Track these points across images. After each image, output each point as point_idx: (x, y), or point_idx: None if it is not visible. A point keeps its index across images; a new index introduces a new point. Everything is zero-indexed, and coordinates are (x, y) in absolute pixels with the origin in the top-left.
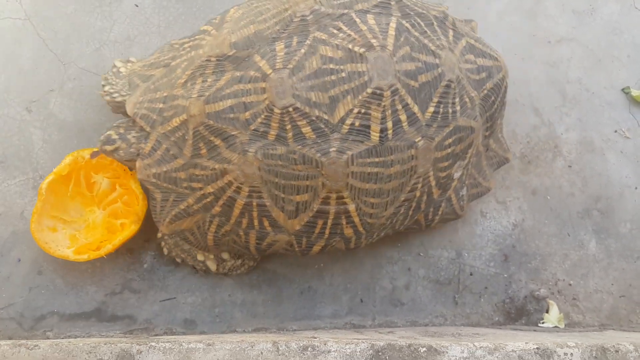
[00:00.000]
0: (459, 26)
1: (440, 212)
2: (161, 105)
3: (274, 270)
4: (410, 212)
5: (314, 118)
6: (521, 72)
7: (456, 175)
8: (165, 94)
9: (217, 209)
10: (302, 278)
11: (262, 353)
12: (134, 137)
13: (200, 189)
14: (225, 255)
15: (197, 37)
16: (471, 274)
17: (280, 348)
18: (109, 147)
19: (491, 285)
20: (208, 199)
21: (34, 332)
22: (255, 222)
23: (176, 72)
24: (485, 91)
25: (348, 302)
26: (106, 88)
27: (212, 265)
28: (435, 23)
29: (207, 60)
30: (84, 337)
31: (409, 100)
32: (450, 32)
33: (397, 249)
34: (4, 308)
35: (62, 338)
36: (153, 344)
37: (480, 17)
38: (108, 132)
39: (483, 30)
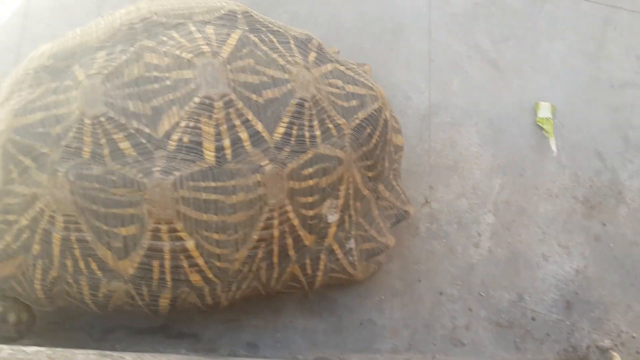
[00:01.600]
0: (328, 53)
1: (321, 267)
2: None
3: (335, 298)
4: (275, 259)
5: (132, 131)
6: (583, 115)
7: (331, 218)
8: None
9: (36, 247)
10: (362, 309)
11: None
12: None
13: (16, 221)
14: (11, 317)
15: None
16: (533, 319)
17: None
18: None
19: (553, 332)
20: (25, 235)
21: (103, 343)
22: (82, 264)
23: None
24: (358, 121)
25: (408, 338)
26: None
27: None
28: (292, 42)
29: (25, 73)
30: (151, 352)
31: (250, 116)
32: (313, 54)
33: (457, 286)
34: (74, 318)
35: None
36: None
37: (542, 59)
38: None
39: (545, 72)
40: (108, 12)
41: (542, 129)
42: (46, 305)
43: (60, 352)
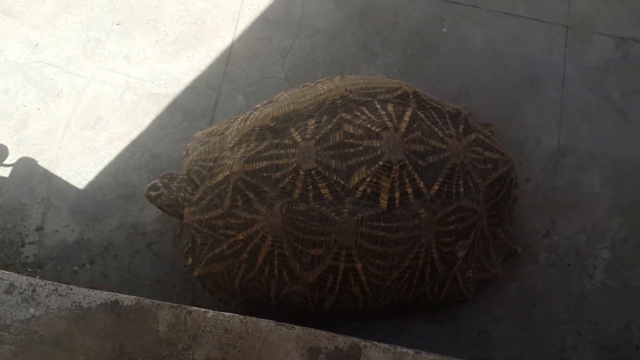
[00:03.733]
0: (471, 122)
1: (445, 289)
2: (211, 164)
3: (456, 310)
4: (415, 282)
5: (332, 182)
6: None
7: (460, 254)
8: (216, 155)
9: (244, 255)
10: (480, 321)
11: None
12: (175, 186)
13: (233, 236)
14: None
15: (248, 112)
16: (637, 347)
17: None
18: (153, 193)
19: None
20: (238, 246)
21: None
22: (276, 271)
23: (227, 139)
24: (490, 180)
25: (519, 352)
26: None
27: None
28: (447, 117)
29: (252, 129)
30: None
31: (416, 176)
32: (461, 126)
33: (569, 312)
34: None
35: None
36: (376, 343)
37: None
38: (154, 181)
39: None
40: (308, 83)
41: None
42: (237, 296)
43: (249, 318)
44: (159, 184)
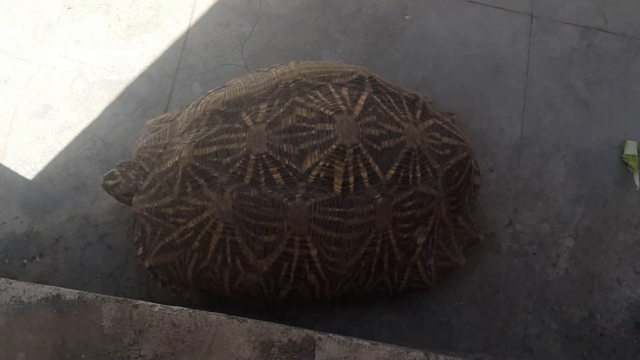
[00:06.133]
0: (430, 109)
1: (405, 277)
2: (161, 151)
3: (418, 300)
4: (373, 269)
5: (284, 166)
6: None
7: (419, 240)
8: (166, 142)
9: (196, 244)
10: (443, 312)
11: (414, 359)
12: (133, 174)
13: (184, 224)
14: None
15: (200, 97)
16: (601, 335)
17: (430, 358)
18: (110, 182)
19: (620, 348)
20: (189, 234)
21: None
22: (229, 260)
23: (178, 125)
24: (449, 166)
25: (482, 341)
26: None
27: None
28: (404, 102)
29: (202, 114)
30: None
31: (371, 161)
32: (419, 111)
33: (532, 300)
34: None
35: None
36: (331, 335)
37: (633, 101)
38: (111, 170)
39: (635, 113)
40: (262, 68)
41: (627, 165)
42: (191, 286)
43: (198, 312)
44: (117, 173)
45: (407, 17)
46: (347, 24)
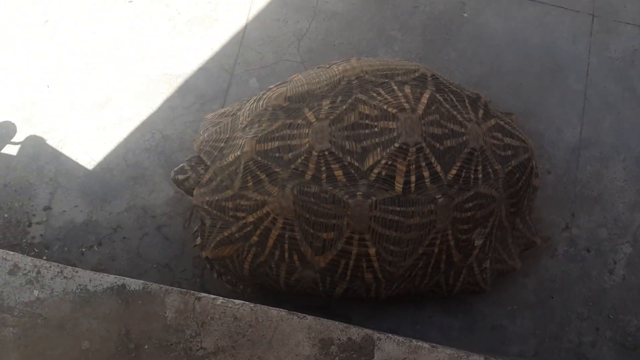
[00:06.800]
0: (491, 108)
1: (461, 279)
2: (222, 145)
3: (471, 303)
4: (429, 270)
5: (346, 163)
6: None
7: (477, 242)
8: (227, 136)
9: (254, 238)
10: (496, 315)
11: None
12: (202, 169)
13: (243, 218)
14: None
15: (261, 93)
16: None
17: None
18: (180, 177)
19: None
20: (248, 228)
21: None
22: (286, 255)
23: (239, 119)
24: (510, 167)
25: (535, 346)
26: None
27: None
28: (467, 101)
29: (264, 109)
30: None
31: (433, 160)
32: (481, 111)
33: (588, 307)
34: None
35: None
36: (390, 335)
37: None
38: (182, 164)
39: None
40: (323, 64)
41: None
42: (247, 280)
43: (259, 306)
44: (186, 167)
45: (465, 15)
46: (403, 21)
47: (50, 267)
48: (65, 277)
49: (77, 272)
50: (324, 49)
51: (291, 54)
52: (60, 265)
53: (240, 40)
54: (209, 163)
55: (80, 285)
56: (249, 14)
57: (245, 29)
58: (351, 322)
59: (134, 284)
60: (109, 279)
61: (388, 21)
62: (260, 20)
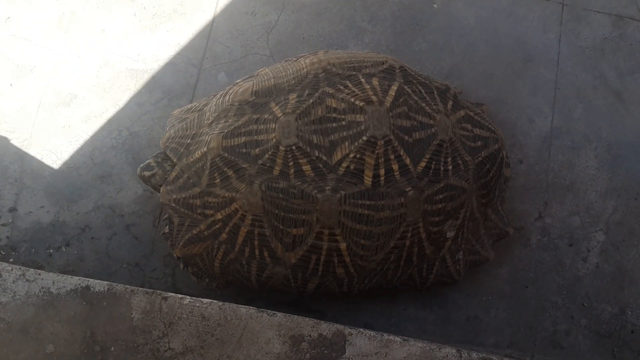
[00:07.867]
0: (460, 99)
1: (434, 271)
2: (189, 141)
3: (445, 294)
4: (402, 263)
5: (314, 158)
6: None
7: (449, 234)
8: (194, 132)
9: (224, 235)
10: (470, 306)
11: (446, 356)
12: (169, 165)
13: (212, 215)
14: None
15: (228, 87)
16: (632, 332)
17: (462, 355)
18: (147, 173)
19: None
20: (217, 226)
21: None
22: (256, 252)
23: (205, 115)
24: (480, 158)
25: (510, 337)
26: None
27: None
28: (435, 92)
29: (231, 104)
30: None
31: (402, 153)
32: (450, 102)
33: (562, 295)
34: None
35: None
36: (361, 330)
37: None
38: (148, 161)
39: None
40: (291, 58)
41: None
42: (218, 278)
43: (228, 305)
44: (153, 164)
45: (435, 6)
46: (373, 13)
47: (12, 269)
48: (27, 280)
49: (39, 274)
50: (294, 42)
51: (260, 48)
52: (23, 267)
53: (208, 34)
54: (175, 160)
55: (43, 287)
56: (217, 7)
57: (213, 22)
58: (325, 318)
59: (99, 285)
60: (72, 281)
61: (358, 12)
62: (228, 13)
